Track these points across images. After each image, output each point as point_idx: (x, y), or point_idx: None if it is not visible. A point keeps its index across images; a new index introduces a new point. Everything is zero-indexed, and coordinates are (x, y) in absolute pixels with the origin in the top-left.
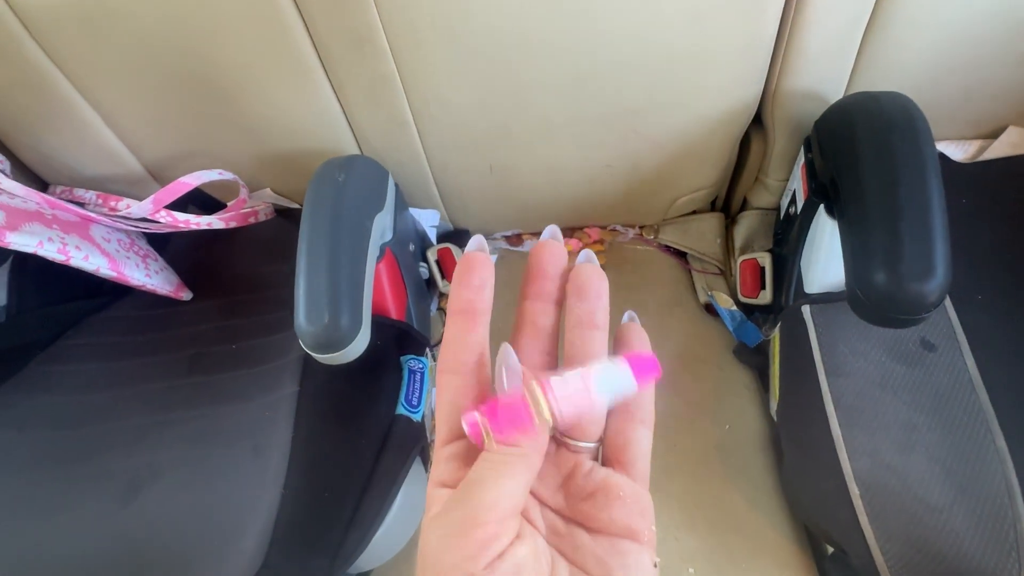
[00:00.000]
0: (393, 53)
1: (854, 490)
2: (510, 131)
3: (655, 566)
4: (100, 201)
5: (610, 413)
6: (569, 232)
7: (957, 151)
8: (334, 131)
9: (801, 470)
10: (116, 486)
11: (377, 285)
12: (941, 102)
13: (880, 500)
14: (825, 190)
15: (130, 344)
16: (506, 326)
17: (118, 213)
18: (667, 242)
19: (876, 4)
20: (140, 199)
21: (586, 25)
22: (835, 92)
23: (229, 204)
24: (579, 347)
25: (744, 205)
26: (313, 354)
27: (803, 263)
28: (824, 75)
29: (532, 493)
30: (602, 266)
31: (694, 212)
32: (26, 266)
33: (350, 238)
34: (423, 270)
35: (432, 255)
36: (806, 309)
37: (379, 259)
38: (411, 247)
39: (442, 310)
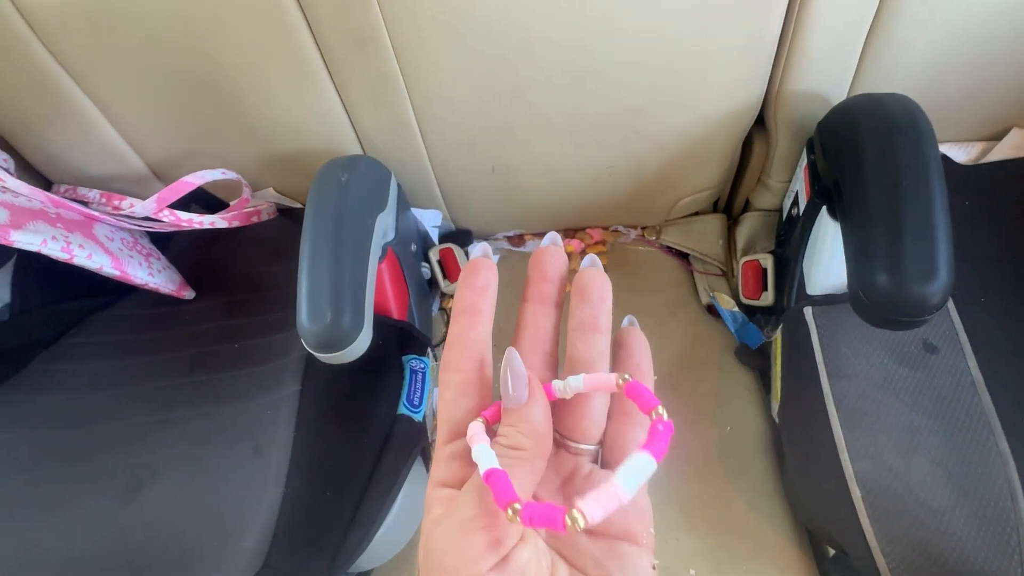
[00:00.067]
0: (396, 52)
1: (855, 492)
2: (512, 131)
3: (654, 568)
4: (104, 200)
5: (610, 415)
6: (571, 233)
7: (960, 153)
8: (337, 131)
9: (802, 472)
10: (117, 485)
11: (379, 285)
12: (944, 104)
13: (882, 502)
14: (828, 192)
15: (132, 343)
16: (508, 326)
17: (121, 212)
18: (669, 243)
19: (880, 5)
20: (143, 198)
21: (588, 25)
22: (838, 93)
23: (232, 203)
24: (581, 350)
25: (746, 206)
26: (315, 353)
27: (805, 264)
28: (827, 76)
29: (532, 495)
30: (604, 267)
31: (696, 213)
32: (30, 264)
33: (353, 238)
34: (425, 270)
35: (434, 255)
36: (808, 311)
37: (381, 259)
38: (413, 247)
39: (444, 310)
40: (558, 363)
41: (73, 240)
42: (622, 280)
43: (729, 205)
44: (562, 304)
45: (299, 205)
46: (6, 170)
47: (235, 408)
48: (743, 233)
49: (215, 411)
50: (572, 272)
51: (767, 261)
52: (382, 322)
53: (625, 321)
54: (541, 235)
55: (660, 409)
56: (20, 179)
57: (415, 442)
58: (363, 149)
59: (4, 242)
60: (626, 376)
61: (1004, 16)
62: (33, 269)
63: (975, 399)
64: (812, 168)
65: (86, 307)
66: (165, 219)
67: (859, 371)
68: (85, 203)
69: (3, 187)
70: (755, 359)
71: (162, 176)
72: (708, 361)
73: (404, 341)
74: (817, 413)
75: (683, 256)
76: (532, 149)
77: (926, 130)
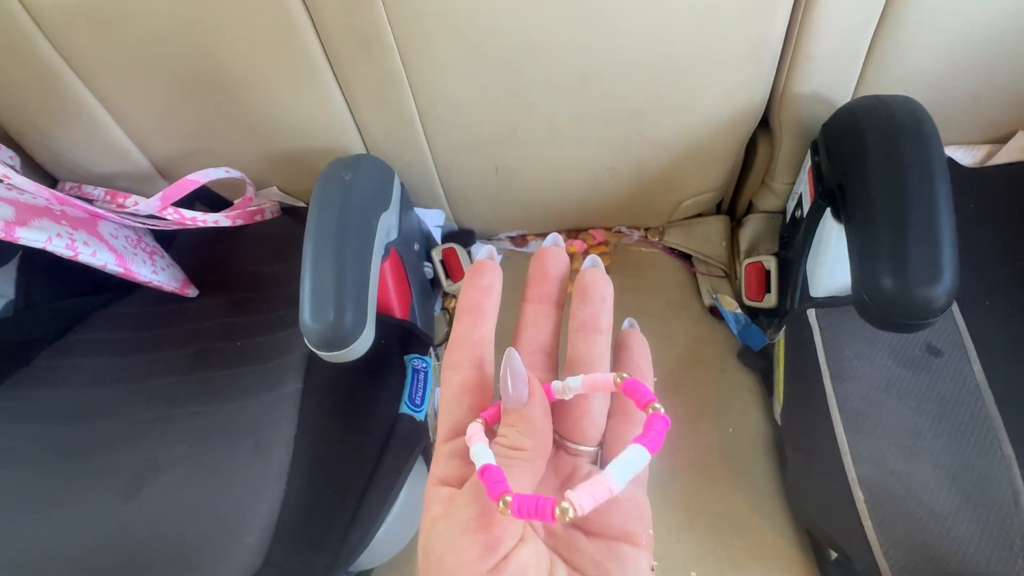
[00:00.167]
0: (400, 52)
1: (858, 495)
2: (516, 132)
3: (652, 569)
4: (108, 198)
5: (610, 416)
6: (573, 233)
7: (966, 156)
8: (341, 130)
9: (805, 474)
10: (119, 481)
11: (382, 284)
12: (950, 106)
13: (885, 505)
14: (832, 194)
15: (136, 340)
16: (509, 327)
17: (126, 210)
18: (672, 244)
19: (885, 7)
20: (148, 196)
21: (593, 27)
22: (843, 95)
23: (236, 202)
24: (582, 351)
25: (750, 208)
26: (317, 352)
27: (809, 267)
28: (832, 78)
29: None
30: (606, 268)
31: (699, 215)
32: (34, 262)
33: (356, 237)
34: (428, 270)
35: (437, 255)
36: (811, 313)
37: (384, 258)
38: (416, 247)
39: (446, 310)
40: (558, 364)
41: (78, 237)
42: (624, 281)
43: (732, 207)
44: (563, 304)
45: (302, 204)
46: (12, 167)
47: (237, 406)
48: (746, 235)
49: (217, 408)
50: (574, 273)
51: (770, 263)
52: (384, 321)
53: (625, 323)
54: (544, 236)
55: (656, 404)
56: (26, 176)
57: (416, 441)
58: (367, 149)
59: (9, 239)
60: (624, 374)
61: (1010, 19)
62: (38, 266)
63: (979, 403)
64: (816, 170)
65: (90, 304)
66: (169, 217)
67: (862, 374)
68: (90, 201)
69: (9, 184)
70: (757, 361)
71: (166, 174)
72: (710, 363)
73: (406, 340)
74: (820, 416)
75: (686, 257)
76: (535, 150)
77: (931, 132)
